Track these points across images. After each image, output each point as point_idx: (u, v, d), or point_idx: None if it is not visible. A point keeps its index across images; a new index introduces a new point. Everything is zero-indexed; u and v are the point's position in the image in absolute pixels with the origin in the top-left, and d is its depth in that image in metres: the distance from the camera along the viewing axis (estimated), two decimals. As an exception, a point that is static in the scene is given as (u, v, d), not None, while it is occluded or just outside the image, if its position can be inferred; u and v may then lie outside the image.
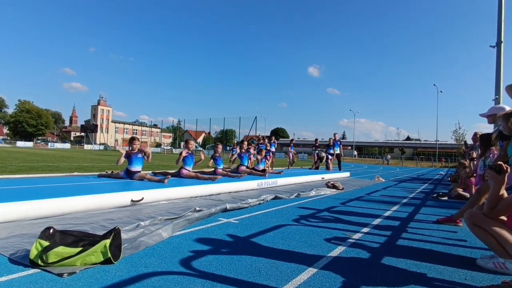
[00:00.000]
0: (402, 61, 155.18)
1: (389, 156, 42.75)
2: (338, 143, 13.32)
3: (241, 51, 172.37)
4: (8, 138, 69.35)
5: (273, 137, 13.84)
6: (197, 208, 3.65)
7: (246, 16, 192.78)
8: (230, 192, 5.59)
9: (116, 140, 72.67)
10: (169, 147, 51.71)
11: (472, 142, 9.88)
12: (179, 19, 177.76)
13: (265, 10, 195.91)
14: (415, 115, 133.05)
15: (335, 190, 6.77)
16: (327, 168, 12.89)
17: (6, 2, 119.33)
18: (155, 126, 75.73)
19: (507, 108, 3.14)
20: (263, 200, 4.75)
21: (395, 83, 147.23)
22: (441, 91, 42.97)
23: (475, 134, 6.47)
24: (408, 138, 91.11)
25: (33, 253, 1.87)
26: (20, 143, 52.12)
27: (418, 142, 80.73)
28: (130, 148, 5.30)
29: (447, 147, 56.82)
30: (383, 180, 10.67)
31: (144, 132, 74.74)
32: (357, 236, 2.95)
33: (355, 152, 62.57)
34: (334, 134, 13.45)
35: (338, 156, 13.18)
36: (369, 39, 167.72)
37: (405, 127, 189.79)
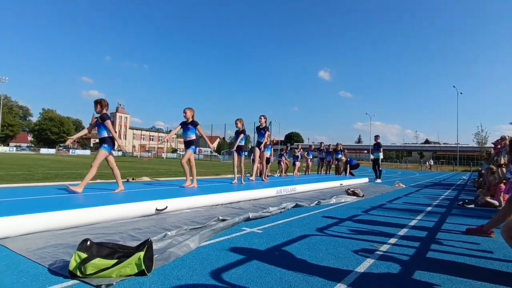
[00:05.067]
0: (417, 62, 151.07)
1: (431, 161, 39.28)
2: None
3: (251, 56, 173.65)
4: (33, 145, 72.53)
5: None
6: (221, 218, 3.68)
7: (255, 22, 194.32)
8: (249, 200, 5.62)
9: (133, 146, 74.39)
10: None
11: (492, 145, 9.49)
12: (190, 26, 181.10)
13: (273, 15, 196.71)
14: (433, 117, 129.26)
15: (355, 197, 6.67)
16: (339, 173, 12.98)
17: (25, 15, 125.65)
18: (170, 132, 77.08)
19: None
20: (284, 208, 4.75)
21: (410, 85, 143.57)
22: (461, 93, 41.77)
23: (503, 138, 6.23)
24: (426, 141, 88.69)
25: (72, 264, 1.95)
26: (43, 150, 54.34)
27: (438, 145, 78.38)
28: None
29: (468, 150, 54.89)
30: (404, 186, 10.41)
31: (160, 138, 76.23)
32: (384, 248, 2.90)
33: (372, 156, 61.39)
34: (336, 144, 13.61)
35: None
36: (381, 41, 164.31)
37: (423, 130, 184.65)
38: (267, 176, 8.71)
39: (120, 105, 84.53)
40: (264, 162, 8.30)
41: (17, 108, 73.29)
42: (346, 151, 13.48)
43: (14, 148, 55.32)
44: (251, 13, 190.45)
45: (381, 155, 12.41)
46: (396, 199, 6.97)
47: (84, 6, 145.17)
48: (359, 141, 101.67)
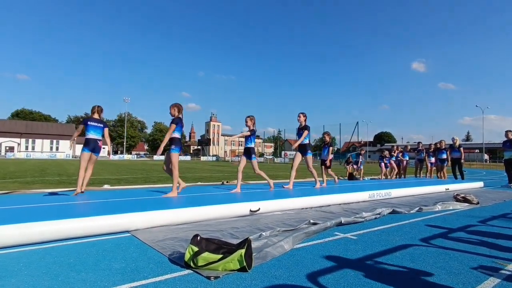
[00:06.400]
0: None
1: None
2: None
3: (332, 58, 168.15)
4: (148, 153, 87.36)
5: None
6: (312, 221, 3.69)
7: (336, 25, 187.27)
8: (340, 204, 5.44)
9: (225, 152, 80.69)
10: (270, 157, 54.11)
11: None
12: (269, 35, 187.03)
13: (353, 16, 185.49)
14: None
15: (467, 204, 5.72)
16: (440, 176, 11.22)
17: (149, 50, 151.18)
18: (257, 137, 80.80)
19: None
20: (379, 214, 4.43)
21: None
22: None
23: None
24: None
25: (187, 256, 2.27)
26: (156, 157, 64.38)
27: None
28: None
29: None
30: (538, 192, 8.36)
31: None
32: (513, 266, 2.42)
33: (486, 156, 50.84)
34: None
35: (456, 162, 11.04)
36: (489, 20, 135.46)
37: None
38: (325, 181, 7.76)
39: (213, 114, 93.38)
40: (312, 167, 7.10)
41: (136, 123, 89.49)
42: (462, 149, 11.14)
43: (135, 155, 67.65)
44: (331, 18, 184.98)
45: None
46: (528, 208, 5.67)
47: (176, 32, 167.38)
48: (467, 138, 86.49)
